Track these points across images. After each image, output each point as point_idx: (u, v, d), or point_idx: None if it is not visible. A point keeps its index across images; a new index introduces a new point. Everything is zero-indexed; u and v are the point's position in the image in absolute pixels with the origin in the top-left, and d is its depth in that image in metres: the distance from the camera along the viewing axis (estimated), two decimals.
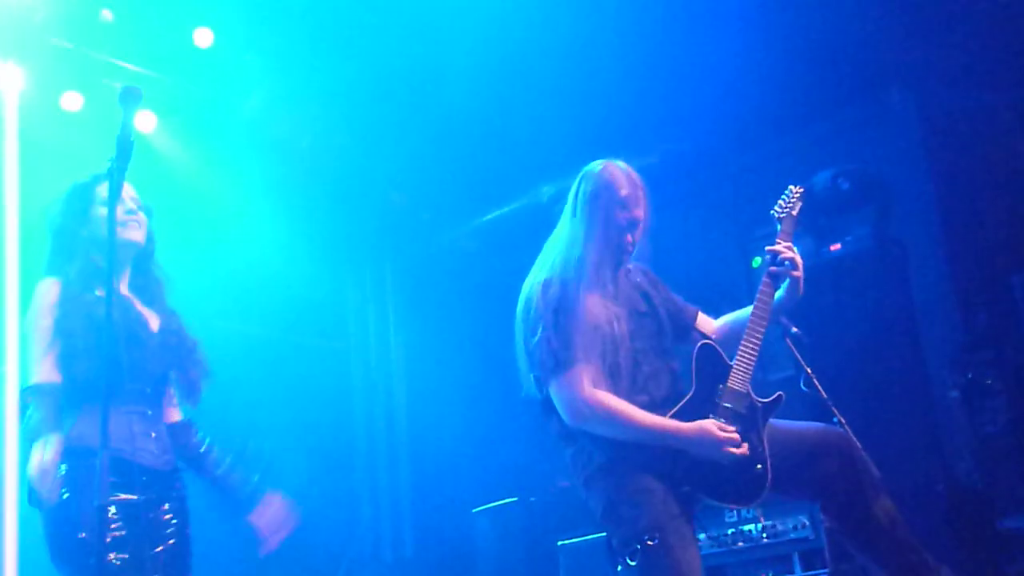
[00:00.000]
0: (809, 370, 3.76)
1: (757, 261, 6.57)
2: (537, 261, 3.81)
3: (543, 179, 6.92)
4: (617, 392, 3.47)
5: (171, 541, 3.60)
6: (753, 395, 3.54)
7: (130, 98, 3.07)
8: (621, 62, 6.30)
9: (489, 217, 8.09)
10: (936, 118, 6.15)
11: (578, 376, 3.46)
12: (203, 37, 6.36)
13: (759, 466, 3.46)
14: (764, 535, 5.15)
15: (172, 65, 6.55)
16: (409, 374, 8.66)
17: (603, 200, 3.74)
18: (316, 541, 7.58)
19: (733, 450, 3.40)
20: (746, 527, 5.21)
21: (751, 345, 3.58)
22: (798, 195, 3.92)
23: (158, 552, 3.52)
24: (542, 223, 4.04)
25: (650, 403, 3.49)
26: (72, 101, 6.36)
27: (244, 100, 6.95)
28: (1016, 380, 5.31)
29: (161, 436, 3.70)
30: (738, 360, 3.56)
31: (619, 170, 3.79)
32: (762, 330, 3.61)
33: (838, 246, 5.79)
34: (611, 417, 3.42)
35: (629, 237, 3.74)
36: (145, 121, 6.68)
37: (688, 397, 3.50)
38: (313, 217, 7.81)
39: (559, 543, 5.96)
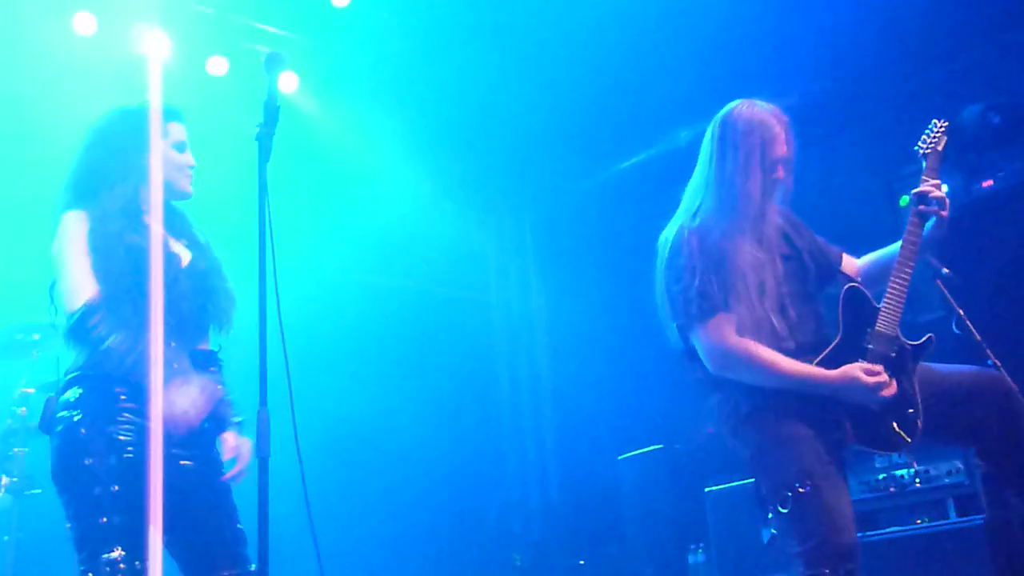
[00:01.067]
0: (961, 311, 3.66)
1: (904, 200, 6.38)
2: (680, 206, 3.75)
3: (681, 124, 6.85)
4: (763, 339, 3.41)
5: (195, 489, 3.31)
6: (902, 338, 3.46)
7: (275, 63, 3.12)
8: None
9: (627, 164, 8.05)
10: None
11: (721, 324, 3.42)
12: None
13: (910, 411, 3.39)
14: (917, 480, 5.04)
15: (311, 26, 6.68)
16: (551, 322, 8.71)
17: (751, 139, 3.62)
18: (465, 488, 7.75)
19: (882, 392, 3.33)
20: (898, 472, 5.11)
21: (899, 286, 3.48)
22: (942, 130, 3.78)
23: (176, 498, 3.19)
24: (681, 168, 3.99)
25: (797, 349, 3.43)
26: (217, 66, 6.54)
27: (381, 57, 7.03)
28: None
29: (184, 370, 3.38)
30: (886, 302, 3.47)
31: (764, 108, 3.69)
32: (909, 271, 3.51)
33: (990, 183, 5.59)
34: (755, 366, 3.38)
35: (778, 176, 3.65)
36: (287, 82, 6.83)
37: (836, 342, 3.43)
38: (453, 170, 7.90)
39: (706, 490, 5.96)
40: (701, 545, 6.11)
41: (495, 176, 8.26)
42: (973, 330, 3.61)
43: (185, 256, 3.52)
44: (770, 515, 3.36)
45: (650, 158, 7.63)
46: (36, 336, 5.62)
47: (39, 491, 5.29)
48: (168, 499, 3.06)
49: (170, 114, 3.59)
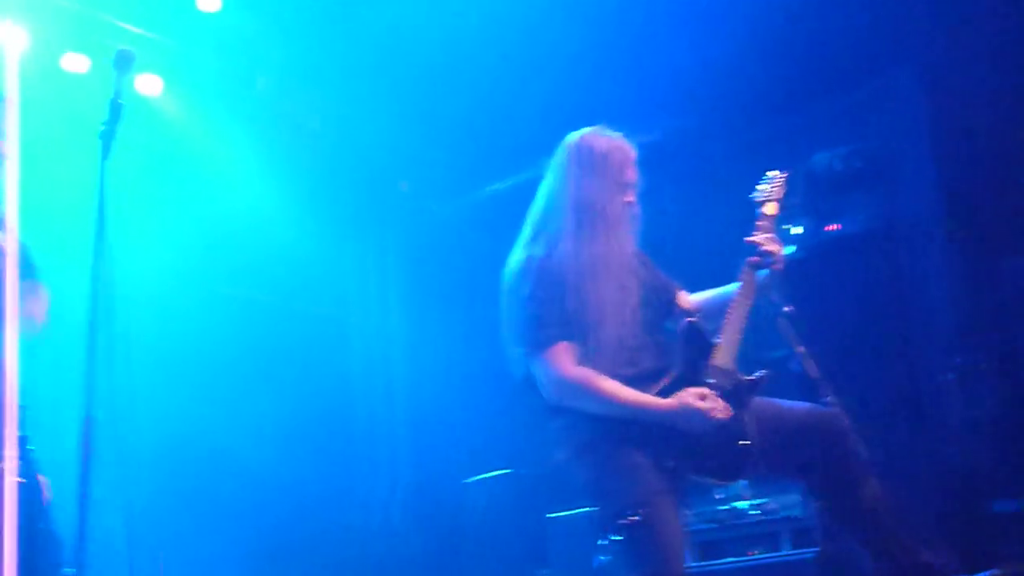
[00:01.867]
0: (800, 349, 3.76)
1: None
2: (525, 233, 3.76)
3: (545, 153, 6.91)
4: (602, 366, 3.44)
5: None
6: (738, 373, 3.54)
7: (124, 61, 3.04)
8: (625, 36, 6.29)
9: (493, 189, 8.09)
10: (941, 100, 6.13)
11: (562, 353, 3.44)
12: (208, 1, 6.33)
13: (743, 443, 3.46)
14: (755, 512, 5.17)
15: (179, 29, 6.55)
16: (408, 344, 8.68)
17: (609, 161, 3.67)
18: (311, 510, 7.63)
19: (716, 415, 3.39)
20: (737, 504, 5.23)
21: (735, 323, 3.55)
22: (780, 181, 3.90)
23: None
24: None
25: (636, 377, 3.47)
26: (75, 63, 6.36)
27: (249, 67, 6.94)
28: (1009, 364, 5.32)
29: None
30: (723, 338, 3.54)
31: (611, 136, 3.75)
32: (746, 309, 3.58)
33: (837, 226, 5.79)
34: (594, 395, 3.40)
35: (626, 204, 3.69)
36: (150, 85, 6.68)
37: (674, 374, 3.49)
38: (316, 185, 7.81)
39: (548, 516, 6.00)
40: (544, 572, 6.14)
41: (360, 194, 8.21)
42: (812, 367, 3.71)
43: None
44: (605, 542, 3.39)
45: (514, 186, 7.68)
46: None
47: None
48: None
49: None
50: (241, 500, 7.26)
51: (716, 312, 3.65)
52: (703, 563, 5.15)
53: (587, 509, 5.55)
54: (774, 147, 6.75)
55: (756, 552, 5.10)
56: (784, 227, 6.38)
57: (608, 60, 6.40)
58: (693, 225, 6.75)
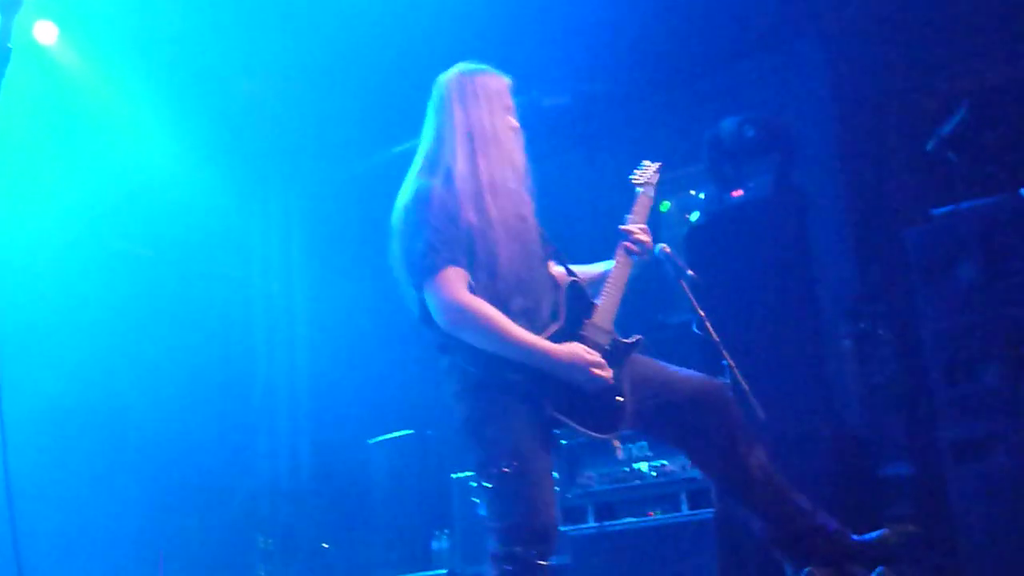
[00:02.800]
0: (702, 313, 3.79)
1: (665, 205, 6.62)
2: (414, 167, 3.72)
3: None
4: (493, 294, 3.43)
5: None
6: (615, 334, 3.57)
7: (10, 3, 2.92)
8: None
9: (398, 149, 8.02)
10: (845, 70, 6.21)
11: (453, 278, 3.40)
12: None
13: (618, 399, 3.49)
14: (654, 474, 5.23)
15: None
16: (311, 303, 8.61)
17: (490, 88, 3.70)
18: (213, 470, 7.55)
19: (599, 372, 3.40)
20: (637, 465, 5.29)
21: (613, 290, 3.61)
22: (654, 168, 3.95)
23: None
24: None
25: (524, 309, 3.47)
26: None
27: (152, 18, 6.75)
28: (905, 332, 5.44)
29: None
30: (602, 300, 3.59)
31: (483, 68, 3.77)
32: (623, 282, 3.63)
33: (740, 192, 5.84)
34: (486, 326, 3.36)
35: (512, 129, 3.69)
36: (45, 32, 6.48)
37: (558, 326, 3.50)
38: (221, 144, 7.67)
39: (453, 476, 6.01)
40: (445, 531, 6.16)
41: (263, 151, 8.08)
42: (711, 331, 3.75)
43: None
44: (475, 486, 3.36)
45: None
46: None
47: None
48: None
49: None
50: (141, 461, 7.15)
51: (592, 283, 3.70)
52: (603, 523, 5.21)
53: None
54: (677, 113, 6.81)
55: (655, 513, 5.17)
56: (692, 192, 6.47)
57: (516, 21, 6.36)
58: (597, 189, 6.77)
